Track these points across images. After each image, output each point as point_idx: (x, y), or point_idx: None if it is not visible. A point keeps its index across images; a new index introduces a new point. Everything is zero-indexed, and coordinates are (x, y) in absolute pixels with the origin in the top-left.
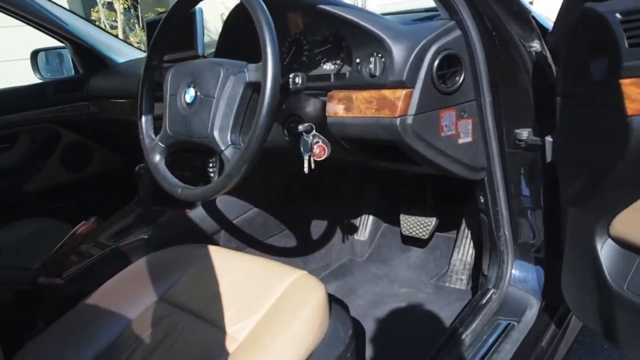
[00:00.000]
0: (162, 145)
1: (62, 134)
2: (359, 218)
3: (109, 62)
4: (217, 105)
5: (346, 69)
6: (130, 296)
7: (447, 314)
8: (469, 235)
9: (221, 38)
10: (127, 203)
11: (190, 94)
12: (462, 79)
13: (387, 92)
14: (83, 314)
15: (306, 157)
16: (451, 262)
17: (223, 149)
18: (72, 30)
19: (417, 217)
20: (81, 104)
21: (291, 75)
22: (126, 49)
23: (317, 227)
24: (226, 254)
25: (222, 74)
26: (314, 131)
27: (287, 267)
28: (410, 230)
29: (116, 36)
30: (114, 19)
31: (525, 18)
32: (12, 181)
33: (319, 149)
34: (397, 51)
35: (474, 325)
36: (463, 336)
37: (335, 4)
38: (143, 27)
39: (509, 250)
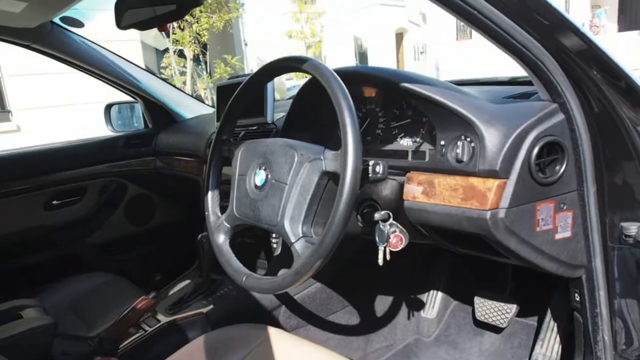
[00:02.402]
0: (228, 226)
1: (128, 187)
2: (426, 293)
3: (178, 117)
4: (289, 192)
5: (426, 147)
6: None
7: None
8: (555, 329)
9: (292, 111)
10: (187, 259)
11: (260, 177)
12: (563, 168)
13: (476, 181)
14: None
15: (381, 248)
16: (532, 356)
17: (293, 241)
18: (143, 86)
19: (494, 301)
20: (148, 159)
21: (371, 163)
22: (193, 104)
23: (382, 303)
24: (287, 339)
25: (296, 160)
26: (390, 219)
27: None
28: (486, 317)
29: (183, 86)
30: (183, 64)
31: (637, 98)
32: (78, 234)
33: (396, 239)
34: (490, 137)
35: None
36: None
37: (419, 80)
38: (210, 74)
39: (607, 357)
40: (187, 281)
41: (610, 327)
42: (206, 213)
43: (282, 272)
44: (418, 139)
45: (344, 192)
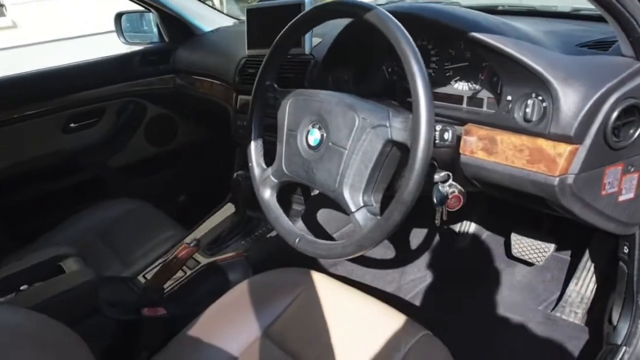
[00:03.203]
0: (275, 181)
1: (147, 108)
2: (459, 224)
3: (196, 30)
4: (349, 158)
5: (484, 94)
6: (233, 328)
7: (567, 356)
8: (592, 269)
9: (335, 44)
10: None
11: (314, 136)
12: (638, 131)
13: (545, 144)
14: (186, 346)
15: (439, 209)
16: (566, 292)
17: (354, 210)
18: None
19: (531, 239)
20: (167, 77)
21: (438, 129)
22: (212, 15)
23: (415, 236)
24: (334, 286)
25: (357, 124)
26: (450, 180)
27: (406, 319)
28: (523, 254)
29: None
30: None
31: None
32: (99, 157)
33: (454, 200)
34: (567, 99)
35: None
36: None
37: (486, 27)
38: None
39: None
40: (222, 218)
41: None
42: (250, 164)
43: (340, 239)
44: (476, 86)
45: (415, 169)
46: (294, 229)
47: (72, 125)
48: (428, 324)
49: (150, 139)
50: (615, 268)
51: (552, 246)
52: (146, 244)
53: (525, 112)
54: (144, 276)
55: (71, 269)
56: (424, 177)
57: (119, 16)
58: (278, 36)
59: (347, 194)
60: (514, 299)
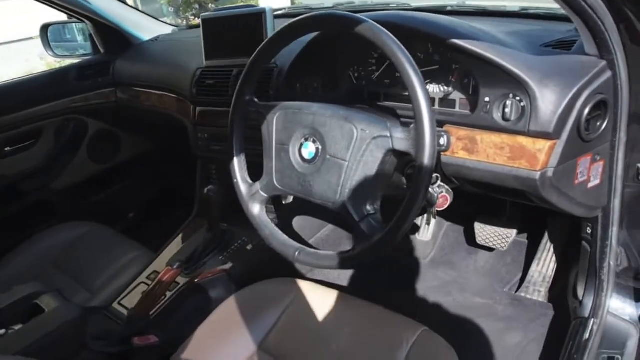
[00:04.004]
0: (265, 196)
1: (88, 124)
2: (420, 217)
3: (134, 40)
4: (349, 170)
5: (456, 96)
6: (228, 346)
7: (537, 333)
8: (551, 250)
9: (303, 53)
10: (161, 193)
11: (309, 150)
12: (605, 123)
13: (525, 141)
14: None
15: (431, 210)
16: (529, 273)
17: (358, 220)
18: (90, 6)
19: (494, 227)
20: (107, 91)
21: None
22: (150, 24)
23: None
24: (323, 293)
25: (356, 136)
26: (439, 182)
27: (401, 317)
28: (487, 241)
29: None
30: None
31: None
32: (41, 180)
33: (442, 200)
34: (544, 99)
35: None
36: None
37: (459, 32)
38: None
39: (610, 279)
40: (192, 235)
41: (615, 255)
42: (235, 181)
43: (317, 246)
44: (447, 88)
45: (422, 176)
46: (291, 242)
47: (7, 149)
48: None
49: (94, 156)
50: (577, 248)
51: (514, 232)
52: (109, 268)
53: (504, 112)
54: (119, 303)
55: (50, 306)
56: (430, 182)
57: (45, 28)
58: (258, 48)
59: (349, 205)
60: (481, 283)
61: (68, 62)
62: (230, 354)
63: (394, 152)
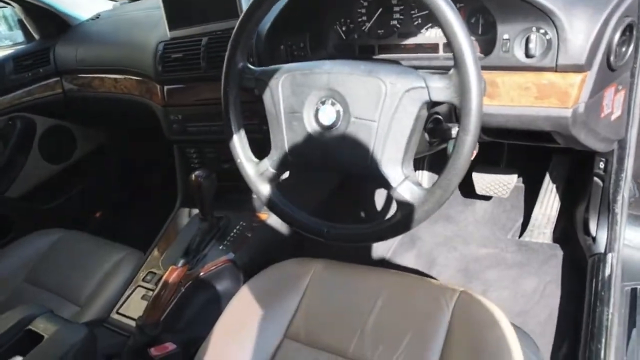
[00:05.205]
0: (274, 172)
1: (36, 122)
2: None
3: (72, 21)
4: (380, 130)
5: None
6: (253, 339)
7: (552, 275)
8: (554, 190)
9: (280, 17)
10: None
11: (328, 114)
12: (631, 49)
13: (553, 77)
14: None
15: None
16: (532, 217)
17: (395, 185)
18: None
19: (494, 175)
20: (52, 81)
21: None
22: (85, 1)
23: (380, 194)
24: (342, 268)
25: (385, 91)
26: None
27: (434, 282)
28: (487, 190)
29: None
30: None
31: None
32: None
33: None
34: (573, 27)
35: (612, 299)
36: (606, 314)
37: None
38: None
39: (623, 212)
40: (181, 227)
41: (629, 187)
42: (238, 161)
43: (377, 219)
44: None
45: (470, 128)
46: (316, 220)
47: None
48: None
49: (48, 156)
50: (583, 185)
51: (515, 177)
52: (95, 276)
53: (527, 48)
54: (118, 312)
55: (49, 330)
56: (478, 135)
57: None
58: (248, 5)
59: (385, 169)
60: (483, 233)
61: None
62: (255, 348)
63: (430, 103)
